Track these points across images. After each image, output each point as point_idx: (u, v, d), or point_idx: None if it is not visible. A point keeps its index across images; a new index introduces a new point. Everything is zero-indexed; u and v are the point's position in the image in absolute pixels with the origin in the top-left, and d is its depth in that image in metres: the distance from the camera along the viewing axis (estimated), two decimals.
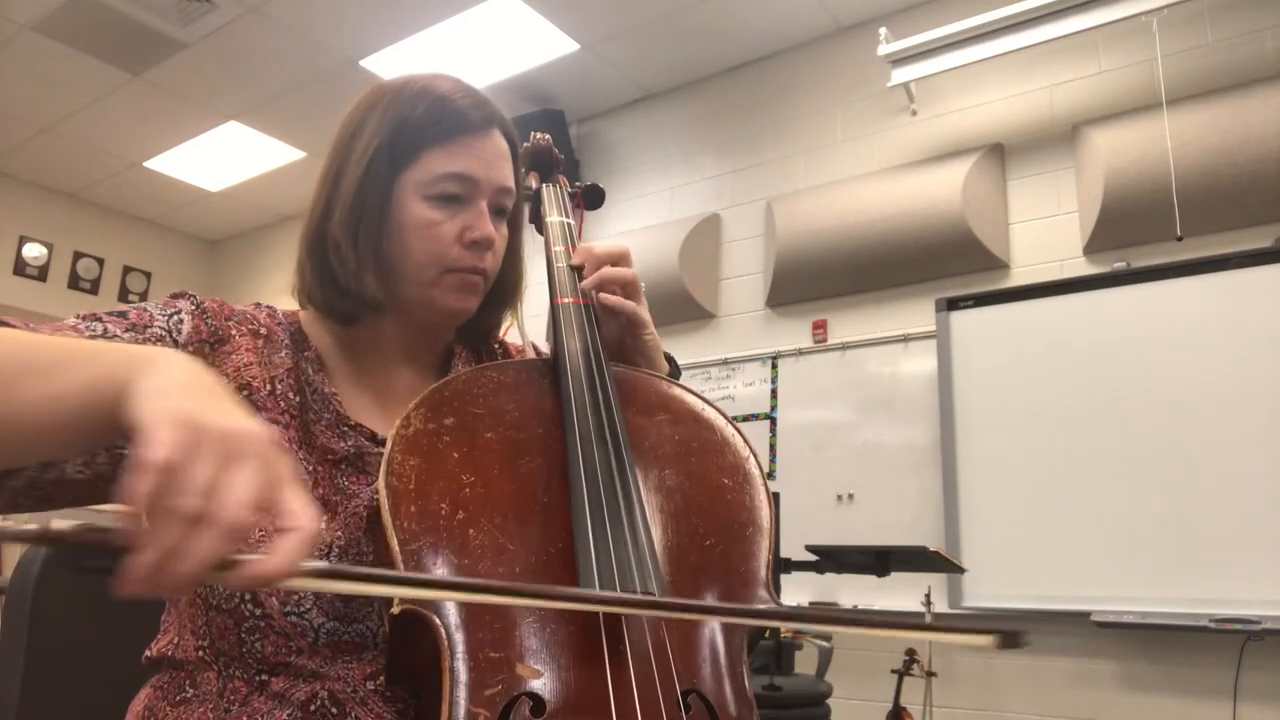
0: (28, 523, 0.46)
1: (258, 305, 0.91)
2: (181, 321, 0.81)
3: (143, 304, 0.82)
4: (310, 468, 0.82)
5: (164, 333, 0.80)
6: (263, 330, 0.86)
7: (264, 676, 0.75)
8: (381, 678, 0.75)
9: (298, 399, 0.84)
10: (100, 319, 0.77)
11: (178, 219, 5.93)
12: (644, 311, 0.94)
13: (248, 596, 0.74)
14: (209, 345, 0.82)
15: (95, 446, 0.72)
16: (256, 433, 0.50)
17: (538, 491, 0.73)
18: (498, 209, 0.89)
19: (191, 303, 0.85)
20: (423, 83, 0.88)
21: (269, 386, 0.83)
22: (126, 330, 0.77)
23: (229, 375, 0.82)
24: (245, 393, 0.82)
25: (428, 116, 0.85)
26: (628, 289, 0.93)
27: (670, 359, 1.01)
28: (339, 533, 0.79)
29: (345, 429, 0.84)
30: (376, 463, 0.82)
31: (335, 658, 0.75)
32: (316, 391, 0.85)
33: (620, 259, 0.94)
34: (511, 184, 0.90)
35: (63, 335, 0.71)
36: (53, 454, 0.67)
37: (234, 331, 0.85)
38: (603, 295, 0.91)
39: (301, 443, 0.82)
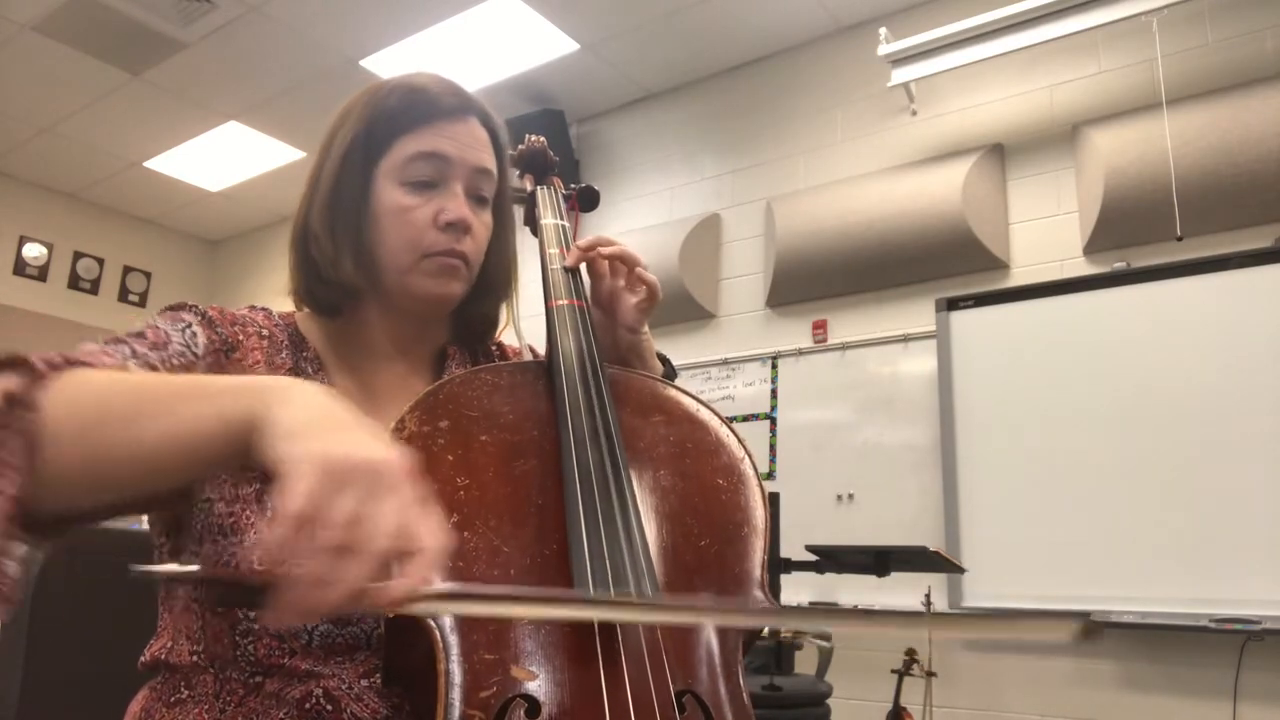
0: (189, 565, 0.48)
1: (252, 308, 0.90)
2: (195, 335, 0.81)
3: (152, 321, 0.81)
4: None
5: (183, 348, 0.79)
6: (264, 332, 0.86)
7: (258, 678, 0.74)
8: (376, 675, 0.75)
9: None
10: (124, 341, 0.76)
11: (178, 219, 5.93)
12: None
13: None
14: (224, 354, 0.82)
15: (212, 477, 0.74)
16: (391, 460, 0.52)
17: (532, 494, 0.73)
18: (476, 195, 0.89)
19: (194, 314, 0.84)
20: (400, 79, 0.89)
21: None
22: (152, 349, 0.76)
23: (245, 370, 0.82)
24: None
25: (400, 104, 0.86)
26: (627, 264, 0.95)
27: (665, 360, 1.01)
28: None
29: None
30: None
31: (328, 658, 0.75)
32: None
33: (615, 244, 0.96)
34: (490, 167, 0.89)
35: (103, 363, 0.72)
36: (155, 489, 0.67)
37: (241, 336, 0.84)
38: (643, 273, 0.93)
39: None
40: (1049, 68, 3.24)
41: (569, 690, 0.62)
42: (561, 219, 1.03)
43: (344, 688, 0.74)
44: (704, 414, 0.87)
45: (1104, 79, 3.14)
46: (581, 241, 0.95)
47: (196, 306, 0.85)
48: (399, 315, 0.90)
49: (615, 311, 0.95)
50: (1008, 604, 2.87)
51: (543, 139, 1.10)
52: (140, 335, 0.78)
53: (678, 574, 0.72)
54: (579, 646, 0.64)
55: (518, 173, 1.09)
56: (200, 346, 0.80)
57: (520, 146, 1.09)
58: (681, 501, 0.78)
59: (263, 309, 0.91)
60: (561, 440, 0.75)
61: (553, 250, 0.97)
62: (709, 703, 0.65)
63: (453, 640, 0.63)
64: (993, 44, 3.12)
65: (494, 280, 0.95)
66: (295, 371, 0.85)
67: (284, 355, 0.86)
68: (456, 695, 0.60)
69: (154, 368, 0.75)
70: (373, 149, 0.86)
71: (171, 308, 0.84)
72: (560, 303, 0.90)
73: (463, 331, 0.97)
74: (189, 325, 0.81)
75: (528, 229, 1.08)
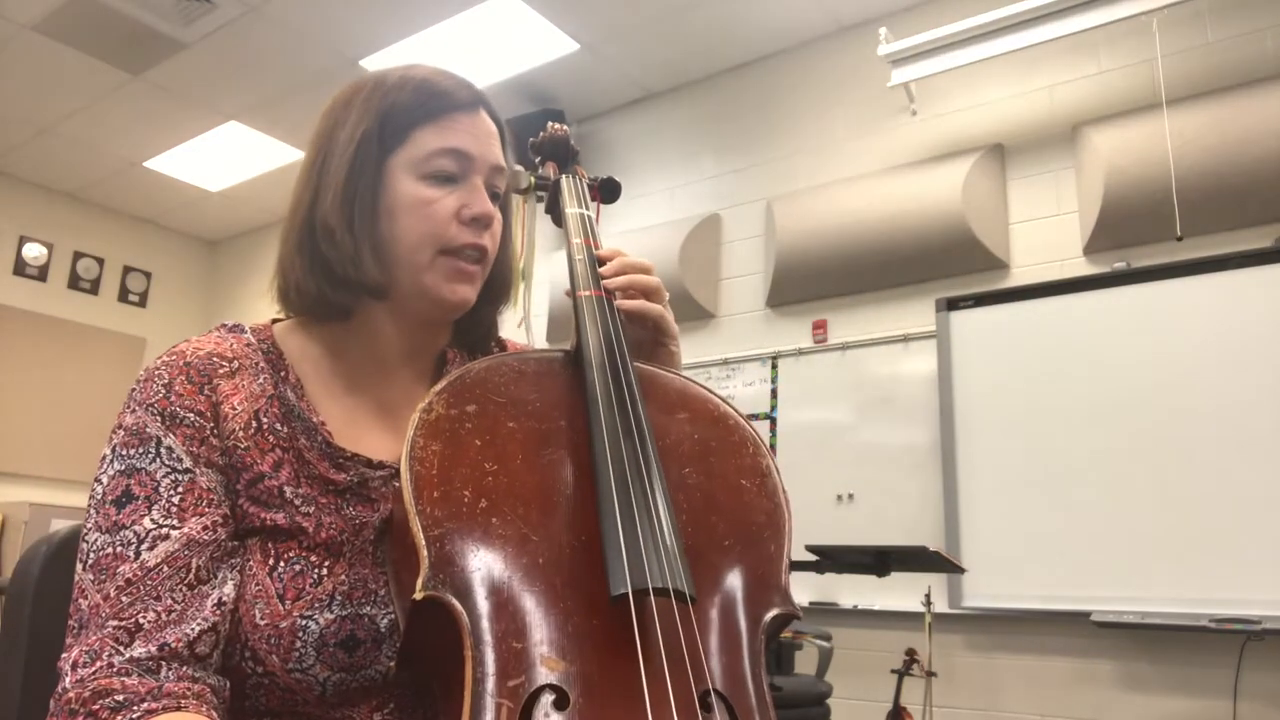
0: None
1: (221, 330, 0.84)
2: (171, 449, 0.74)
3: (124, 463, 0.73)
4: (313, 504, 0.77)
5: (173, 481, 0.73)
6: (235, 364, 0.80)
7: None
8: (390, 707, 0.74)
9: (285, 428, 0.79)
10: (125, 526, 0.70)
11: (178, 219, 5.93)
12: (670, 318, 0.92)
13: (248, 654, 0.72)
14: (211, 427, 0.76)
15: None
16: None
17: (560, 483, 0.72)
18: (491, 190, 0.86)
19: (153, 414, 0.75)
20: (400, 71, 0.86)
21: (255, 422, 0.77)
22: (153, 512, 0.71)
23: (227, 437, 0.76)
24: (230, 440, 0.76)
25: (415, 97, 0.83)
26: (653, 296, 0.91)
27: None
28: (343, 577, 0.75)
29: (341, 460, 0.79)
30: (381, 490, 0.80)
31: (341, 705, 0.74)
32: (301, 419, 0.80)
33: (647, 270, 0.93)
34: (504, 164, 0.87)
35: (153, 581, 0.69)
36: None
37: (208, 391, 0.77)
38: (623, 303, 0.88)
39: (301, 475, 0.77)
40: (1049, 68, 3.25)
41: (598, 682, 0.62)
42: (586, 208, 1.00)
43: None
44: (728, 412, 0.85)
45: (1104, 79, 3.14)
46: (636, 305, 0.90)
47: (151, 396, 0.76)
48: (409, 320, 0.86)
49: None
50: (1008, 604, 2.88)
51: (565, 127, 1.08)
52: (127, 498, 0.72)
53: (703, 573, 0.71)
54: (609, 638, 0.63)
55: (539, 160, 1.08)
56: (185, 458, 0.74)
57: (542, 134, 1.07)
58: (707, 500, 0.77)
59: (231, 330, 0.84)
60: (592, 432, 0.74)
61: (577, 240, 0.95)
62: (733, 701, 0.65)
63: (484, 627, 0.62)
64: (993, 44, 3.12)
65: (498, 283, 0.92)
66: (276, 398, 0.79)
67: (261, 381, 0.80)
68: (486, 684, 0.60)
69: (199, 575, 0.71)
70: (386, 142, 0.82)
71: (128, 430, 0.75)
72: (586, 293, 0.88)
73: (464, 336, 0.94)
74: (158, 443, 0.74)
75: (549, 217, 1.06)
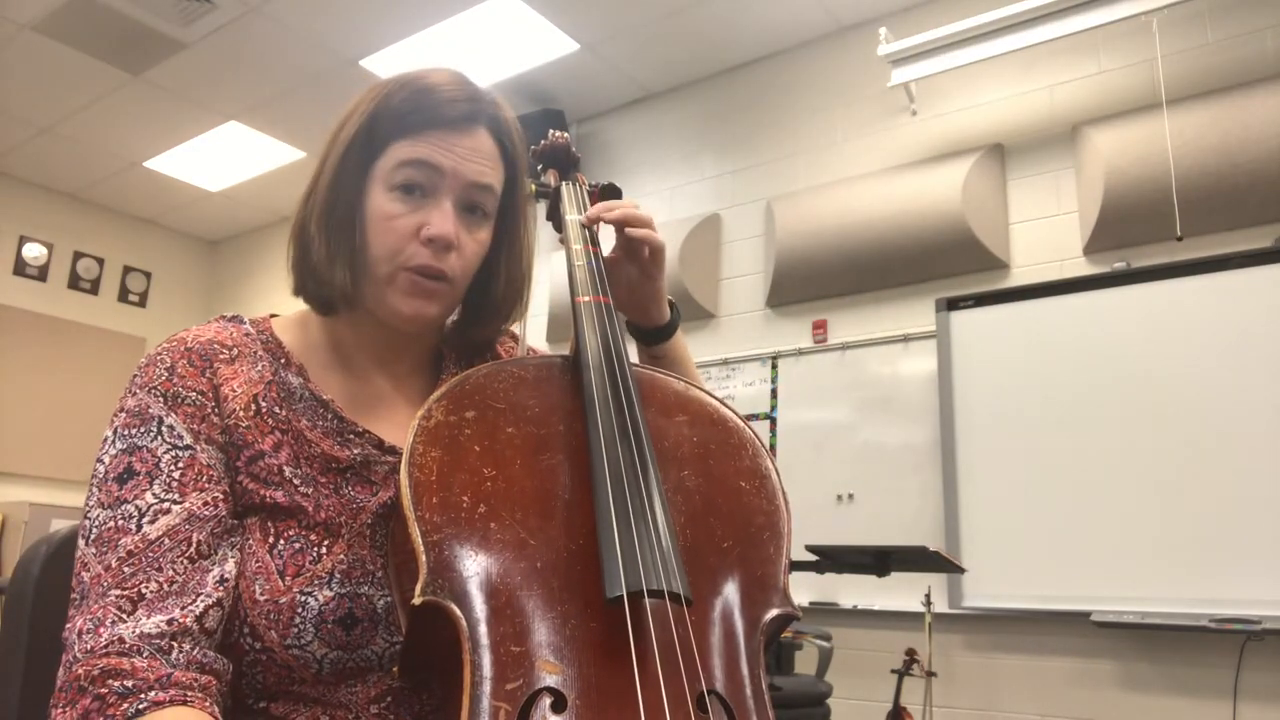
0: None
1: (221, 321, 0.85)
2: (172, 428, 0.75)
3: (126, 443, 0.74)
4: (313, 484, 0.78)
5: (173, 457, 0.74)
6: (235, 351, 0.81)
7: (264, 703, 0.74)
8: (387, 699, 0.75)
9: (283, 411, 0.80)
10: (126, 500, 0.71)
11: (178, 219, 5.93)
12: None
13: (246, 630, 0.72)
14: (212, 406, 0.77)
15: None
16: None
17: (559, 487, 0.73)
18: (470, 206, 0.83)
19: (155, 395, 0.76)
20: (414, 75, 0.84)
21: (253, 406, 0.79)
22: (155, 487, 0.72)
23: (227, 417, 0.78)
24: (231, 420, 0.77)
25: (403, 105, 0.81)
26: (652, 228, 0.97)
27: (673, 305, 1.03)
28: (341, 556, 0.76)
29: (351, 435, 0.81)
30: (383, 472, 0.81)
31: (339, 684, 0.74)
32: (307, 399, 0.81)
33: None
34: (489, 182, 0.83)
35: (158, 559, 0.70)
36: None
37: (209, 374, 0.79)
38: (633, 230, 0.93)
39: (299, 457, 0.79)
40: (1049, 68, 3.25)
41: (595, 685, 0.62)
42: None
43: (351, 717, 0.73)
44: (727, 415, 0.86)
45: (1104, 79, 3.14)
46: (590, 211, 0.96)
47: (152, 379, 0.77)
48: (379, 325, 0.86)
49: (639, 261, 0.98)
50: (1008, 604, 2.87)
51: (566, 135, 1.09)
52: (129, 475, 0.73)
53: (701, 575, 0.72)
54: (606, 641, 0.64)
55: (540, 167, 1.09)
56: (185, 435, 0.75)
57: (543, 142, 1.08)
58: (705, 502, 0.77)
59: (230, 320, 0.86)
60: (590, 436, 0.75)
61: (577, 246, 0.96)
62: (732, 703, 0.65)
63: (481, 631, 0.62)
64: (993, 44, 3.12)
65: (501, 302, 0.91)
66: (275, 383, 0.81)
67: (260, 368, 0.81)
68: (484, 687, 0.60)
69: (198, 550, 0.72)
70: (371, 148, 0.81)
71: (129, 411, 0.76)
72: (585, 299, 0.88)
73: (461, 344, 0.94)
74: (160, 422, 0.75)
75: (551, 223, 1.08)
